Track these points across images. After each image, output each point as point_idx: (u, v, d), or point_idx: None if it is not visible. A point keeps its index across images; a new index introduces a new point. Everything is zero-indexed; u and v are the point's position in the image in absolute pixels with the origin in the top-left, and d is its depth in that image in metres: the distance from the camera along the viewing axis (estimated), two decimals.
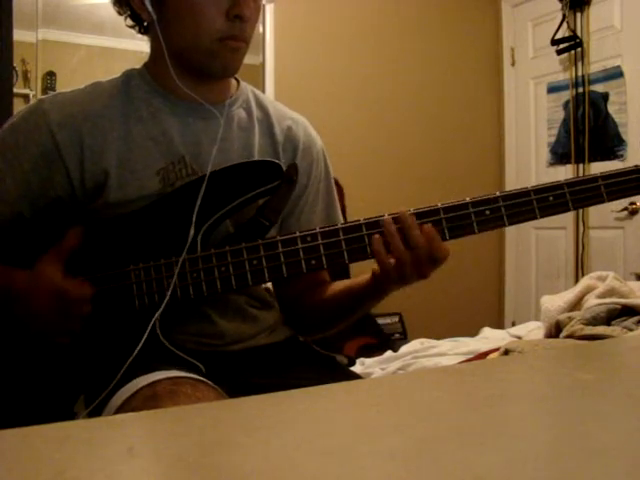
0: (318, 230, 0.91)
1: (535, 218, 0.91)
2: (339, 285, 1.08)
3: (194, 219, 0.93)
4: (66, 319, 0.90)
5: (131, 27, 1.05)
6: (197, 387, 0.83)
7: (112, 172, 0.96)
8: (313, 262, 0.91)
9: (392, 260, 0.91)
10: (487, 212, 0.91)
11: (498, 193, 0.91)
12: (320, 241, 0.91)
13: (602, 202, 0.92)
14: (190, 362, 0.91)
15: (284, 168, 1.00)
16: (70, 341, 0.92)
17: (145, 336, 0.88)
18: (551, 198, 0.91)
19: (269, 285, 1.12)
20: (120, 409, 0.82)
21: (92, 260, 0.94)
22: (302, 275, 1.01)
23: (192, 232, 0.92)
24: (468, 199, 0.91)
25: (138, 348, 0.87)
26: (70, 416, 0.88)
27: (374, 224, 0.91)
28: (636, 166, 0.92)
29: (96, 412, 0.85)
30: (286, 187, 1.00)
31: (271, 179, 0.97)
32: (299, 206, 1.09)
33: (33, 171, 0.97)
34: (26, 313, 0.91)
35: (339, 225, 0.92)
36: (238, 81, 1.11)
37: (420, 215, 0.91)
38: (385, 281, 0.95)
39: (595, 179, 0.91)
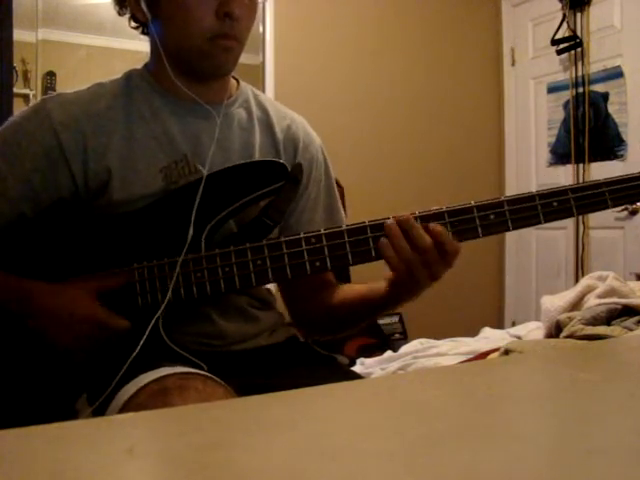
0: (323, 232, 0.91)
1: (539, 223, 0.91)
2: (352, 291, 1.07)
3: (193, 219, 0.93)
4: (93, 343, 0.91)
5: (134, 28, 1.05)
6: (207, 383, 0.83)
7: (115, 171, 0.97)
8: (317, 264, 0.91)
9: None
10: (492, 217, 0.90)
11: (503, 197, 0.91)
12: (325, 243, 0.91)
13: (606, 208, 0.91)
14: (193, 361, 0.91)
15: (288, 168, 1.00)
16: (83, 360, 0.92)
17: (147, 332, 0.88)
18: (555, 204, 0.90)
19: (270, 285, 1.12)
20: (126, 405, 0.81)
21: (96, 258, 0.94)
22: (307, 277, 1.01)
23: (191, 232, 0.92)
24: (473, 202, 0.91)
25: (140, 344, 0.87)
26: (71, 414, 0.88)
27: (379, 226, 0.91)
28: None
29: (99, 410, 0.85)
30: (290, 187, 1.00)
31: (276, 179, 0.97)
32: (300, 206, 1.08)
33: (36, 171, 0.97)
34: (53, 325, 0.90)
35: (344, 227, 0.92)
36: (238, 81, 1.11)
37: (424, 219, 0.90)
38: (399, 287, 0.94)
39: (599, 185, 0.91)
